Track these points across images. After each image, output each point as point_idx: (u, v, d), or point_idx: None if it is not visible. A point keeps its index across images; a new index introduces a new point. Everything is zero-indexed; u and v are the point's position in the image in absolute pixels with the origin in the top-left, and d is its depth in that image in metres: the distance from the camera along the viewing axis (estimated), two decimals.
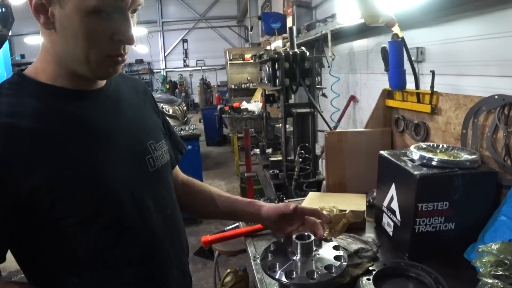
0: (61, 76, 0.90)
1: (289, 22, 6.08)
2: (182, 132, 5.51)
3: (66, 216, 0.85)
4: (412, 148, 1.41)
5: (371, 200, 1.72)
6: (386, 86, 2.04)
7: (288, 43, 3.00)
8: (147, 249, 0.99)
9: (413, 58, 1.98)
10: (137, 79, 1.21)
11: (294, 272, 0.99)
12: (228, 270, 3.29)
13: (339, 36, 3.72)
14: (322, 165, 2.97)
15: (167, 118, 1.29)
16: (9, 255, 0.87)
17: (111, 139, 0.94)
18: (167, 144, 1.16)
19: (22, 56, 12.99)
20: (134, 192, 0.95)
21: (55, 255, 0.89)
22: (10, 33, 3.77)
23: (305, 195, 1.91)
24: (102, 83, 0.99)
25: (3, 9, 3.53)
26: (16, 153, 0.80)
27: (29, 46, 15.79)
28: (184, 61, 19.55)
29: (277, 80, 2.72)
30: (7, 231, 0.82)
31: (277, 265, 1.02)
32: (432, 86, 1.71)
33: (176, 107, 9.11)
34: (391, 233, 1.42)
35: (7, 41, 4.08)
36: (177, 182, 1.30)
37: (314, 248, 1.06)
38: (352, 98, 3.78)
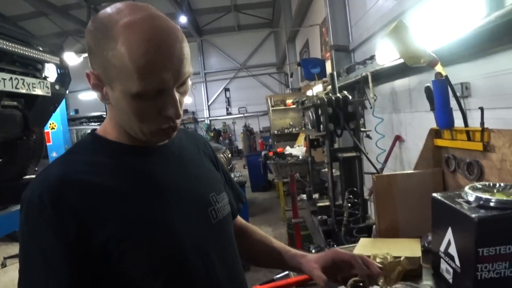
0: (126, 135, 0.97)
1: (328, 66, 6.16)
2: None
3: (133, 268, 0.88)
4: (466, 189, 1.34)
5: (426, 245, 1.64)
6: (432, 124, 1.99)
7: (329, 87, 3.02)
8: None
9: (458, 94, 1.92)
10: (198, 134, 1.28)
11: None
12: None
13: (380, 76, 3.72)
14: (371, 208, 2.89)
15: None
16: None
17: (176, 194, 0.98)
18: (229, 195, 1.19)
19: (76, 111, 13.74)
20: (198, 244, 0.97)
21: None
22: (67, 91, 4.02)
23: (355, 241, 1.86)
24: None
25: (62, 71, 3.80)
26: (90, 208, 0.85)
27: (83, 102, 16.85)
28: (227, 109, 20.07)
29: (321, 126, 2.73)
30: (78, 283, 0.84)
31: None
32: (482, 123, 1.66)
33: (221, 155, 9.23)
34: (450, 281, 1.34)
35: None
36: (235, 226, 1.30)
37: None
38: (398, 138, 3.71)
